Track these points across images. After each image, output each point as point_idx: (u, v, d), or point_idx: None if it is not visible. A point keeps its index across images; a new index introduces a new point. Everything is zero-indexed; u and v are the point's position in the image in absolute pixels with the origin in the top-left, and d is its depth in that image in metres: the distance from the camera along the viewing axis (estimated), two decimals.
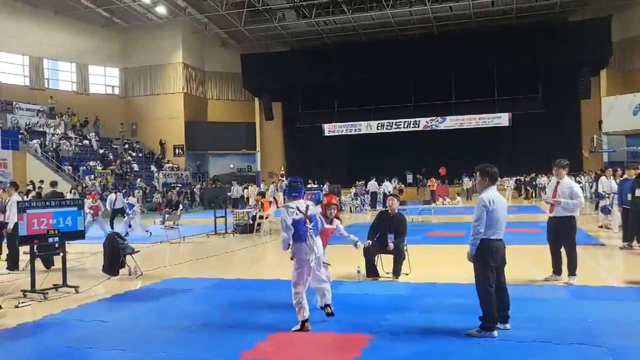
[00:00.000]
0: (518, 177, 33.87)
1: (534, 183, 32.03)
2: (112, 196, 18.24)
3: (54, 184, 15.04)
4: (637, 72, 33.25)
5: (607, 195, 14.16)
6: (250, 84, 38.38)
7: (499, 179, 23.17)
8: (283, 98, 39.80)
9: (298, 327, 5.74)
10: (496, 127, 34.89)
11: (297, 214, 5.83)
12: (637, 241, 10.96)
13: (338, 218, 7.24)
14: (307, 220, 5.85)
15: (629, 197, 10.91)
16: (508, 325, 5.50)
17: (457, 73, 34.20)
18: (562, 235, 7.77)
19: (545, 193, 29.06)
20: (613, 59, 32.88)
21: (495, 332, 5.32)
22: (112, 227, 16.84)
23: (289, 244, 5.92)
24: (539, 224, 15.05)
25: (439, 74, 34.53)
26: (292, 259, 6.03)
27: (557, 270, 7.91)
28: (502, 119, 34.71)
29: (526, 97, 33.60)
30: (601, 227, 14.54)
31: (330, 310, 5.99)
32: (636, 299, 6.90)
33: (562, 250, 7.87)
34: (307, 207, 5.94)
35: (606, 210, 14.22)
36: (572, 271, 7.70)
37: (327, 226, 6.84)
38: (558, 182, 7.82)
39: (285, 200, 6.13)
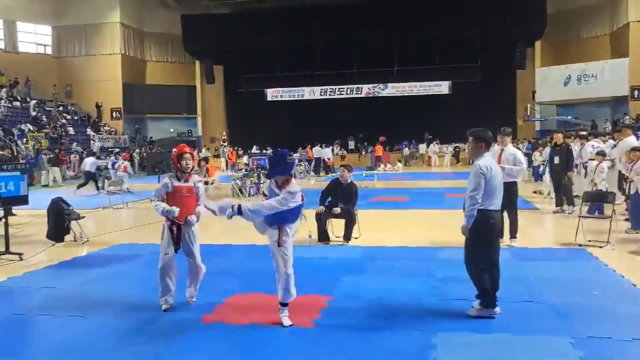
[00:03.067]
0: (456, 145, 34.91)
1: None
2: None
3: (3, 147, 14.69)
4: (569, 44, 34.63)
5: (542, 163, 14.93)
6: (191, 46, 37.26)
7: (439, 146, 23.65)
8: (225, 61, 39.01)
9: (286, 314, 4.97)
10: (436, 95, 35.65)
11: (298, 202, 4.94)
12: (567, 204, 11.69)
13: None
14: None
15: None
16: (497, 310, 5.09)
17: (400, 40, 34.45)
18: (505, 200, 8.12)
19: None
20: (547, 31, 34.00)
21: (497, 309, 5.01)
22: None
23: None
24: None
25: (382, 41, 34.67)
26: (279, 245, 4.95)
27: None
28: (442, 87, 35.48)
29: (465, 66, 34.30)
30: (535, 192, 15.38)
31: None
32: (569, 258, 7.43)
33: (504, 214, 8.27)
34: (301, 195, 5.01)
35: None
36: (513, 234, 8.14)
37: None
38: (502, 150, 8.17)
39: (267, 178, 5.31)
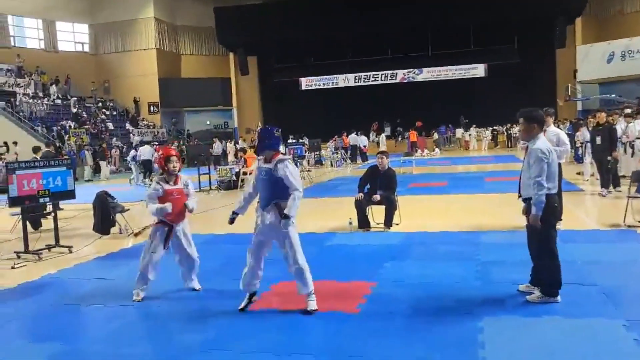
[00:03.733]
0: (494, 128, 34.31)
1: (509, 133, 32.55)
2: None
3: (48, 144, 15.22)
4: (611, 20, 33.50)
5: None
6: (225, 38, 37.54)
7: (477, 129, 23.05)
8: (258, 52, 39.18)
9: (312, 299, 4.96)
10: (472, 78, 35.03)
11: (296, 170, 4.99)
12: (613, 186, 11.39)
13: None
14: None
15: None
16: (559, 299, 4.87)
17: (434, 24, 33.89)
18: None
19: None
20: (588, 7, 32.91)
21: (559, 298, 4.81)
22: None
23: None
24: (517, 172, 15.42)
25: (416, 25, 34.15)
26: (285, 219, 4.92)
27: None
28: (479, 70, 34.85)
29: (502, 47, 33.61)
30: (578, 174, 14.98)
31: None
32: (618, 240, 7.22)
33: None
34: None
35: None
36: (558, 216, 7.95)
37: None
38: (544, 130, 7.94)
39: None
